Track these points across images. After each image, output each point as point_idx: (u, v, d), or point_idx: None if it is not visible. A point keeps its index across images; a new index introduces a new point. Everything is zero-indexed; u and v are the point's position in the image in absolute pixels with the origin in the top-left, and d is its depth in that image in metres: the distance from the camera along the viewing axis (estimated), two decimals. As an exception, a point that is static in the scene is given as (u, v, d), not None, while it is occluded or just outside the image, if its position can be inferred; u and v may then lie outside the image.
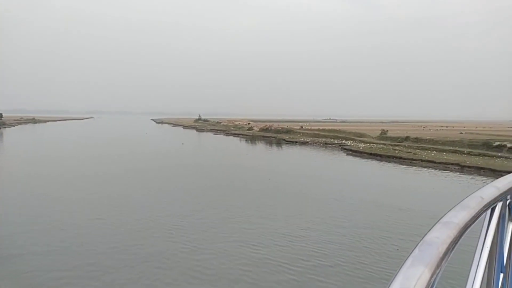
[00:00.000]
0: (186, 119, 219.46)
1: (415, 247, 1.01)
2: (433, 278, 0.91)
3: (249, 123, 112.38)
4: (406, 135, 59.77)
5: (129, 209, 19.84)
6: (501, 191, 1.59)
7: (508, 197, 1.75)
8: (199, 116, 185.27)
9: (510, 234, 1.85)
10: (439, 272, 0.95)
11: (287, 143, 66.19)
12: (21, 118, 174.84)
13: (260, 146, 62.53)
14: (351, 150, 50.88)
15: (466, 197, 1.41)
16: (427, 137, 52.80)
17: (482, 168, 31.80)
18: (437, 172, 33.96)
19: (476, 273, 1.41)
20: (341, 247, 14.49)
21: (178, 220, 17.95)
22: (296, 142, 66.03)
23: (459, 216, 1.22)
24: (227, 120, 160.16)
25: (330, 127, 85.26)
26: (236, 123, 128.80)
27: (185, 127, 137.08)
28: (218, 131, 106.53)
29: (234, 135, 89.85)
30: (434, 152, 43.93)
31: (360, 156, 46.28)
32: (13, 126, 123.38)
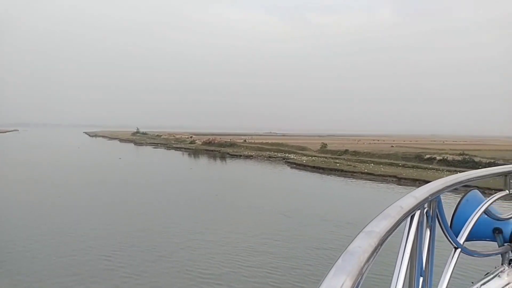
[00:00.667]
0: (123, 132, 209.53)
1: (338, 257, 1.04)
2: (354, 286, 0.94)
3: (191, 137, 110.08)
4: (344, 148, 62.46)
5: (56, 227, 17.67)
6: (419, 200, 1.70)
7: (426, 205, 1.88)
8: (137, 129, 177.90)
9: (428, 240, 1.98)
10: (360, 280, 1.00)
11: (231, 157, 65.55)
12: None
13: (204, 160, 61.14)
14: (294, 163, 51.68)
15: (387, 207, 1.49)
16: (365, 151, 55.53)
17: (417, 179, 33.79)
18: (376, 184, 35.48)
19: (398, 278, 1.49)
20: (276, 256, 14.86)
21: (117, 243, 16.26)
22: (241, 155, 65.66)
23: (380, 225, 1.29)
24: (168, 134, 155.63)
25: (274, 141, 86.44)
26: (177, 136, 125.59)
27: (121, 140, 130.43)
28: (159, 144, 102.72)
29: (176, 149, 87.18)
30: (372, 164, 46.13)
31: (304, 169, 47.07)
32: None
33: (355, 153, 54.87)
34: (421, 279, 1.81)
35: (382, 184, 35.41)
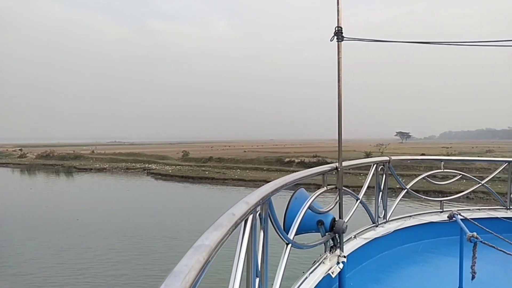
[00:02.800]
0: None
1: (161, 283, 0.93)
2: None
3: (20, 149, 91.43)
4: (207, 155, 62.18)
5: None
6: (250, 205, 1.75)
7: (258, 208, 1.92)
8: None
9: (261, 242, 2.01)
10: None
11: (79, 171, 56.94)
12: None
13: (46, 177, 51.14)
14: (160, 174, 48.23)
15: (219, 217, 1.47)
16: (229, 157, 56.25)
17: (285, 182, 35.78)
18: (250, 190, 35.92)
19: (234, 283, 1.49)
20: None
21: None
22: (91, 169, 57.69)
23: (210, 237, 1.25)
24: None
25: (127, 151, 79.42)
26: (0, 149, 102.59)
27: None
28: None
29: (1, 164, 70.83)
30: (239, 170, 46.93)
31: (171, 180, 44.38)
32: None
33: (220, 160, 55.01)
34: (257, 280, 1.84)
35: (255, 188, 36.04)
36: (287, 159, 48.05)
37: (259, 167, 47.09)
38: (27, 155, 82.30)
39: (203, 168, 50.27)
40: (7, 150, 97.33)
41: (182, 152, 66.90)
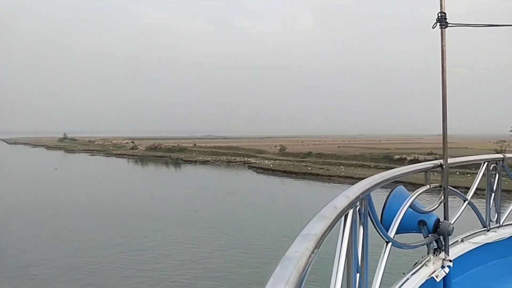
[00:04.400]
0: (47, 138, 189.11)
1: (276, 265, 1.01)
2: None
3: (132, 142, 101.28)
4: (299, 150, 61.04)
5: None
6: (351, 199, 1.74)
7: (358, 203, 1.90)
8: (64, 134, 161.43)
9: (361, 237, 1.99)
10: (300, 285, 0.98)
11: (185, 163, 60.35)
12: None
13: (157, 168, 55.18)
14: (261, 168, 48.44)
15: (322, 208, 1.50)
16: (329, 152, 54.26)
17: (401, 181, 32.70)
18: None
19: (336, 277, 1.55)
20: None
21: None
22: (195, 161, 60.72)
23: (316, 227, 1.29)
24: (101, 139, 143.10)
25: (224, 144, 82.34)
26: (114, 142, 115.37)
27: (48, 147, 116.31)
28: (94, 151, 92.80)
29: (117, 155, 78.96)
30: (342, 167, 44.71)
31: (273, 174, 44.12)
32: None
33: (320, 155, 53.33)
34: (357, 275, 1.85)
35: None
36: (396, 156, 44.28)
37: (365, 164, 44.25)
38: (138, 147, 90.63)
39: (304, 163, 49.14)
40: (121, 142, 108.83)
41: (280, 146, 66.76)
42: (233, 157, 62.41)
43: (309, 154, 55.14)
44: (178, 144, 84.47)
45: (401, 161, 42.57)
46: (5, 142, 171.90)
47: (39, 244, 17.17)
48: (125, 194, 31.51)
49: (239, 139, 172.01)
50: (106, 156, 79.10)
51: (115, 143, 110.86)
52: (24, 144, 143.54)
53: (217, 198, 29.56)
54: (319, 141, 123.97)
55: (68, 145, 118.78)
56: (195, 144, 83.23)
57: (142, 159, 68.47)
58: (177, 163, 60.03)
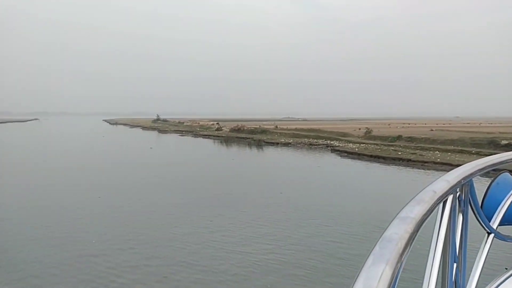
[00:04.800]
0: (143, 119, 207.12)
1: (375, 245, 1.01)
2: (394, 274, 0.92)
3: (217, 123, 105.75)
4: (387, 134, 57.26)
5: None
6: (451, 184, 1.65)
7: (458, 189, 1.81)
8: (158, 116, 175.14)
9: (460, 226, 1.91)
10: (400, 267, 0.97)
11: (267, 144, 61.02)
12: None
13: (240, 149, 56.75)
14: (345, 151, 46.71)
15: (420, 192, 1.45)
16: (422, 136, 50.06)
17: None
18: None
19: (432, 265, 1.49)
20: None
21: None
22: (277, 143, 60.99)
23: (414, 211, 1.25)
24: (189, 120, 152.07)
25: (305, 126, 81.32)
26: (201, 123, 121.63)
27: (144, 128, 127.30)
28: (184, 132, 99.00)
29: (204, 136, 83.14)
30: (437, 152, 40.89)
31: (358, 158, 42.21)
32: None
33: (411, 139, 49.49)
34: (454, 265, 1.78)
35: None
36: (504, 141, 38.98)
37: (465, 149, 39.82)
38: (223, 128, 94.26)
39: (393, 148, 46.10)
40: (207, 124, 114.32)
41: (365, 129, 63.66)
42: (315, 140, 61.31)
43: (399, 137, 51.52)
44: (260, 126, 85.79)
45: (510, 147, 37.44)
46: (108, 122, 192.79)
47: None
48: (214, 174, 32.87)
49: (320, 121, 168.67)
50: (194, 137, 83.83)
51: (202, 124, 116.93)
52: (124, 124, 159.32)
53: (301, 181, 29.21)
54: (408, 124, 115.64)
55: (160, 126, 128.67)
56: (276, 126, 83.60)
57: (226, 140, 71.10)
58: (259, 144, 61.01)
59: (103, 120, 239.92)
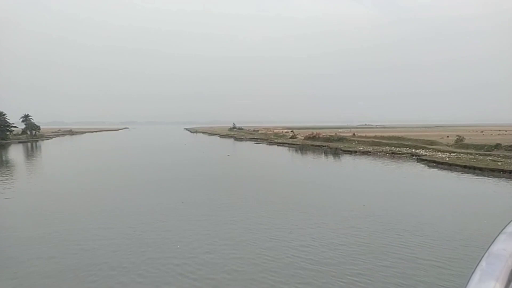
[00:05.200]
0: (220, 127, 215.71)
1: (480, 260, 0.96)
2: None
3: (291, 131, 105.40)
4: (482, 142, 51.24)
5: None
6: None
7: None
8: (234, 124, 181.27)
9: None
10: (509, 285, 0.90)
11: (344, 153, 58.73)
12: (59, 130, 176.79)
13: (316, 157, 55.40)
14: (434, 161, 42.73)
15: None
16: (527, 145, 43.84)
17: None
18: None
19: None
20: None
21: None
22: (356, 151, 58.35)
23: None
24: (264, 128, 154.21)
25: (390, 134, 76.79)
26: (275, 131, 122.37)
27: (221, 136, 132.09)
28: (259, 140, 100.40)
29: (278, 144, 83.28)
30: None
31: (449, 169, 38.24)
32: (51, 138, 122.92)
33: (513, 148, 43.57)
34: None
35: None
36: None
37: None
38: (297, 136, 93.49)
39: (490, 157, 41.01)
40: (281, 131, 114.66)
41: (456, 136, 57.95)
42: (397, 148, 57.40)
43: (497, 146, 45.77)
44: (336, 134, 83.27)
45: None
46: (189, 131, 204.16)
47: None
48: (290, 182, 32.27)
49: (401, 128, 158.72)
50: (269, 144, 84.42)
51: (276, 132, 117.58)
52: (203, 133, 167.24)
53: (385, 193, 27.17)
54: (505, 131, 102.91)
55: (236, 133, 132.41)
56: (354, 134, 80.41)
57: (301, 148, 70.17)
58: (336, 153, 58.98)
59: (184, 128, 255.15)
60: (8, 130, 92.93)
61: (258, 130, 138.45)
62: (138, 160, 51.80)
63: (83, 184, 31.63)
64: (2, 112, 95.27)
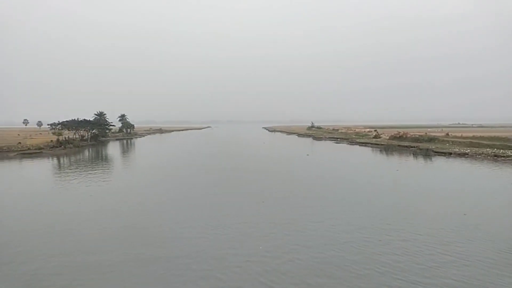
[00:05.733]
0: (298, 126, 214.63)
1: None
2: None
3: (375, 130, 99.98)
4: None
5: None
6: None
7: None
8: (312, 123, 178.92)
9: None
10: None
11: (436, 155, 53.45)
12: (150, 128, 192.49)
13: (404, 159, 51.25)
14: (551, 166, 36.41)
15: None
16: None
17: None
18: None
19: None
20: None
21: None
22: (450, 153, 52.72)
23: None
24: (344, 127, 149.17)
25: (490, 134, 68.26)
26: (357, 130, 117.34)
27: (299, 135, 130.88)
28: (338, 139, 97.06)
29: (360, 144, 79.34)
30: None
31: None
32: (144, 136, 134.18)
33: None
34: None
35: None
36: None
37: None
38: (381, 136, 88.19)
39: None
40: (363, 131, 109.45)
41: None
42: (501, 150, 50.45)
43: None
44: (426, 133, 76.55)
45: None
46: (267, 130, 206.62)
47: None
48: (376, 185, 30.06)
49: (504, 127, 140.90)
50: (350, 144, 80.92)
51: (357, 131, 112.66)
52: (281, 132, 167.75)
53: (489, 201, 23.65)
54: None
55: (315, 133, 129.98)
56: (447, 134, 73.06)
57: (387, 148, 65.77)
58: (427, 154, 53.93)
59: (262, 127, 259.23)
60: (107, 128, 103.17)
61: (338, 129, 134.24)
62: (220, 162, 53.33)
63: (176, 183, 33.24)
64: (102, 112, 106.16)
